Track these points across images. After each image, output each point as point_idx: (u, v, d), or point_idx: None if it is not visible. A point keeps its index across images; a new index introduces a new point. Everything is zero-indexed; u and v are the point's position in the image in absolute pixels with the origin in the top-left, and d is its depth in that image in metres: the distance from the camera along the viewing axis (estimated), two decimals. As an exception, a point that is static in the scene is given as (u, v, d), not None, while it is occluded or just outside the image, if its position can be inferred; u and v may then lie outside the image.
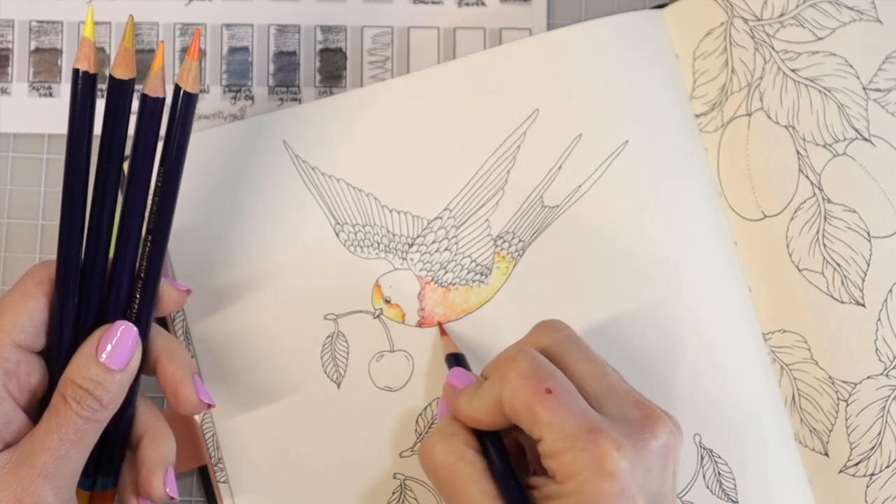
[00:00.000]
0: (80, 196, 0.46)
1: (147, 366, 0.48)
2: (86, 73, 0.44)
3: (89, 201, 0.46)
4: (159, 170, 0.46)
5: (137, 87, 0.45)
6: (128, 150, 0.46)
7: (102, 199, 0.46)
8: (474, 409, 0.46)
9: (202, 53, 0.57)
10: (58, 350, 0.46)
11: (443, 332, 0.54)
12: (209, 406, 0.48)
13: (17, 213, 0.56)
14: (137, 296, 0.47)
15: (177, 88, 0.46)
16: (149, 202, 0.47)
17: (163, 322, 0.53)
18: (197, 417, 0.53)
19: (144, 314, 0.47)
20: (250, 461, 0.53)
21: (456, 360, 0.51)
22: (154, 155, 0.46)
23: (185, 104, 0.46)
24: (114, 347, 0.45)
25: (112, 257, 0.47)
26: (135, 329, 0.46)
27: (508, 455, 0.46)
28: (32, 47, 0.57)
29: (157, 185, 0.46)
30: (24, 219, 0.56)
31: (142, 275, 0.47)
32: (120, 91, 0.45)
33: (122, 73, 0.45)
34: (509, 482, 0.45)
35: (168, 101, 0.46)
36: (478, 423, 0.46)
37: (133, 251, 0.47)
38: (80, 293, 0.46)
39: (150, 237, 0.46)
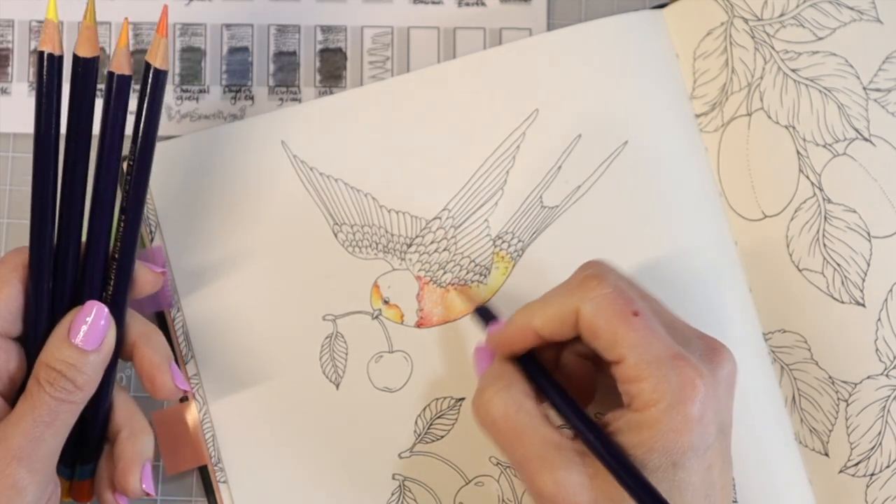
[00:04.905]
0: (49, 180, 0.45)
1: (124, 352, 0.48)
2: (51, 55, 0.44)
3: (60, 185, 0.46)
4: (131, 149, 0.46)
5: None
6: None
7: (72, 181, 0.46)
8: (539, 317, 0.45)
9: (202, 52, 0.57)
10: (34, 335, 0.46)
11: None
12: (185, 392, 0.48)
13: (18, 213, 0.56)
14: (112, 278, 0.47)
15: (147, 66, 0.46)
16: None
17: (163, 325, 0.53)
18: (197, 417, 0.53)
19: (120, 296, 0.47)
20: (250, 461, 0.53)
21: (485, 312, 0.50)
22: (122, 134, 0.46)
23: (155, 81, 0.46)
24: (87, 328, 0.45)
25: (85, 240, 0.47)
26: (105, 308, 0.46)
27: (568, 394, 0.46)
28: (32, 47, 0.57)
29: (129, 165, 0.46)
30: (24, 219, 0.56)
31: (116, 256, 0.47)
32: (84, 70, 0.45)
33: (85, 52, 0.45)
34: (581, 415, 0.44)
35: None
36: (533, 333, 0.45)
37: (106, 233, 0.46)
38: (55, 278, 0.46)
39: (122, 217, 0.46)
